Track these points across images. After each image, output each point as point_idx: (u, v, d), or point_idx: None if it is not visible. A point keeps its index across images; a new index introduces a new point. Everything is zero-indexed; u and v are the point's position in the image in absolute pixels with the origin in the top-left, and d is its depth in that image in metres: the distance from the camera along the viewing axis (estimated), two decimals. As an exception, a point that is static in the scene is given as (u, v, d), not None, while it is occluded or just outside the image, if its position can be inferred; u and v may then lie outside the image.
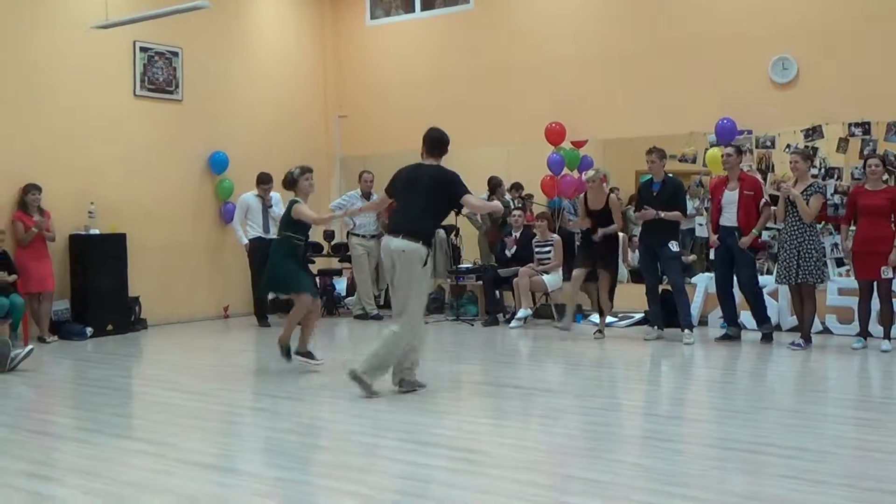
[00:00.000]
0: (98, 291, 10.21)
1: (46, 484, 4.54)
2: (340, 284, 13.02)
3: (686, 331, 9.14)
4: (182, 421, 5.93)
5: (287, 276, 7.67)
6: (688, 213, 9.93)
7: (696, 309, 10.23)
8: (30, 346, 8.10)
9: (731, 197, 9.09)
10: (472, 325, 10.83)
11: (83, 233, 10.31)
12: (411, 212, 6.50)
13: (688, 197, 10.37)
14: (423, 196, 6.49)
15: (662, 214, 9.14)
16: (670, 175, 9.53)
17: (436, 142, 6.72)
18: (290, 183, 7.90)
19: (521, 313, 10.43)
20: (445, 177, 6.59)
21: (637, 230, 11.89)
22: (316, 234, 12.61)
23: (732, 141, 10.03)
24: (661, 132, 10.60)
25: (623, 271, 11.05)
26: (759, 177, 9.70)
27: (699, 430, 5.72)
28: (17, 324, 9.22)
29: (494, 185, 12.04)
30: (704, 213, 10.66)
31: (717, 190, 9.28)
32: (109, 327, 10.23)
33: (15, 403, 6.88)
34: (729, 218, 9.08)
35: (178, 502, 4.21)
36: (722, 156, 9.27)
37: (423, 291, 6.57)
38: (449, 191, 6.55)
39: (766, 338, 9.08)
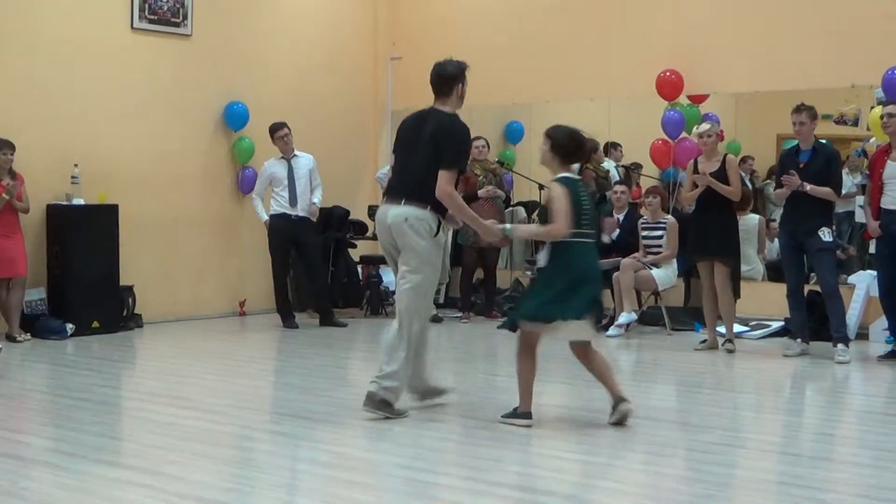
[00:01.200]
0: (81, 278, 10.40)
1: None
2: (389, 276, 13.06)
3: (840, 345, 9.03)
4: (184, 446, 6.01)
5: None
6: (843, 191, 9.79)
7: (853, 318, 10.10)
8: (-2, 345, 8.29)
9: (894, 170, 8.93)
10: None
11: (64, 203, 10.51)
12: (414, 171, 6.52)
13: (845, 171, 10.23)
14: (426, 151, 6.48)
15: (809, 188, 9.02)
16: (822, 141, 9.40)
17: (434, 79, 6.79)
18: None
19: (622, 318, 10.40)
20: (443, 131, 6.52)
21: (777, 213, 11.78)
22: (358, 211, 12.72)
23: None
24: (812, 85, 10.47)
25: (759, 267, 10.96)
26: None
27: (852, 477, 5.64)
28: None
29: (589, 151, 12.00)
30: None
31: (878, 161, 9.13)
32: (95, 324, 10.43)
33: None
34: (893, 199, 8.94)
35: (177, 548, 4.29)
36: (882, 117, 9.10)
37: (434, 273, 6.60)
38: (438, 146, 6.45)
39: None
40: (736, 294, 9.77)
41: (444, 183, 6.35)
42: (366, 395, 6.56)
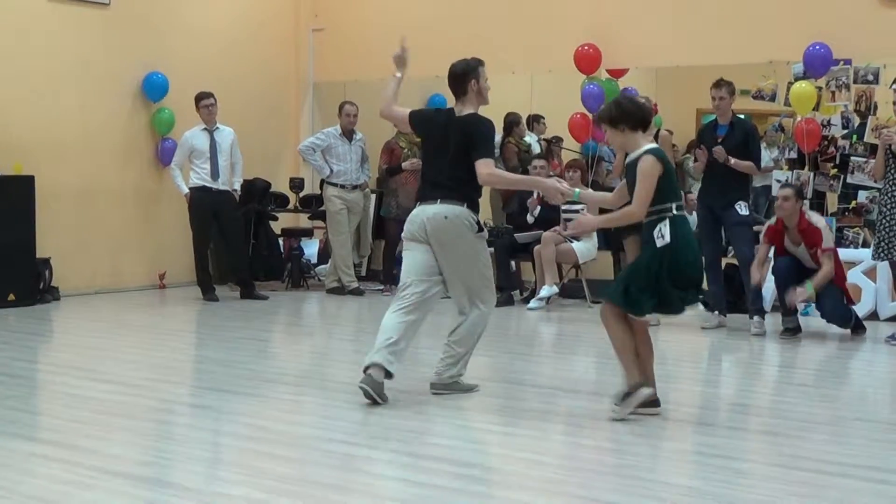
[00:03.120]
0: (7, 262, 10.22)
1: (-74, 495, 4.57)
2: (311, 248, 13.06)
3: (755, 318, 9.18)
4: (102, 419, 5.95)
5: None
6: (762, 164, 9.93)
7: (769, 291, 10.25)
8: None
9: None
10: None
11: (-19, 180, 10.33)
12: (445, 169, 6.43)
13: (763, 145, 10.37)
14: (456, 155, 6.41)
15: (733, 161, 9.14)
16: (740, 116, 9.51)
17: (449, 82, 6.72)
18: None
19: (543, 291, 10.46)
20: (467, 135, 6.44)
21: (696, 187, 11.90)
22: (279, 184, 12.65)
23: (826, 73, 10.00)
24: (731, 60, 10.57)
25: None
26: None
27: (767, 446, 5.74)
28: None
29: (510, 124, 12.05)
30: (784, 166, 10.67)
31: None
32: (11, 297, 10.29)
33: None
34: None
35: (95, 523, 4.24)
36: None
37: (488, 262, 6.62)
38: (468, 144, 6.40)
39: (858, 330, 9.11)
40: None
41: (484, 168, 6.31)
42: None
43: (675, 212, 5.85)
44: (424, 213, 6.38)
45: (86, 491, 4.65)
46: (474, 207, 6.43)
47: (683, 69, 11.27)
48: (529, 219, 11.04)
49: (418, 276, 6.45)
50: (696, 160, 9.64)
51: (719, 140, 9.27)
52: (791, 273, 8.96)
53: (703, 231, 9.56)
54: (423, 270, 6.46)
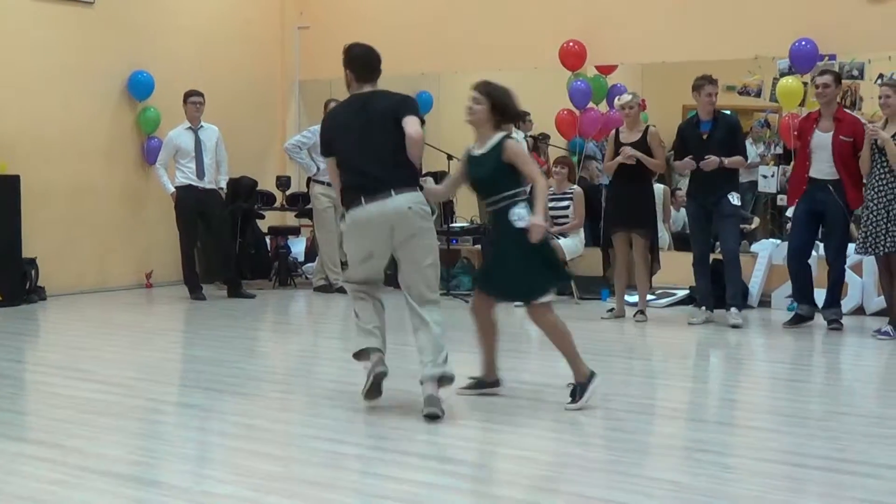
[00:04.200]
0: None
1: (-87, 496, 4.56)
2: (297, 246, 13.05)
3: (733, 308, 9.22)
4: (89, 419, 5.94)
5: None
6: (748, 160, 9.95)
7: (755, 285, 10.29)
8: None
9: (822, 140, 9.04)
10: (467, 301, 10.81)
11: (-35, 179, 10.30)
12: (386, 157, 6.02)
13: (749, 141, 10.41)
14: (389, 133, 5.98)
15: (727, 161, 9.14)
16: (724, 112, 9.53)
17: (367, 62, 6.29)
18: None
19: (530, 287, 10.44)
20: (393, 102, 6.10)
21: (683, 182, 11.92)
22: (266, 182, 12.64)
23: (811, 69, 10.02)
24: (717, 56, 10.59)
25: (665, 236, 11.09)
26: (861, 118, 9.50)
27: (755, 441, 5.76)
28: None
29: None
30: (770, 161, 10.70)
31: (807, 130, 9.21)
32: (-3, 297, 10.26)
33: None
34: (820, 168, 9.06)
35: (82, 522, 4.24)
36: (816, 86, 9.15)
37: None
38: (396, 112, 6.01)
39: (835, 324, 9.14)
40: (656, 265, 9.89)
41: (416, 126, 5.95)
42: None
43: (527, 193, 6.20)
44: (387, 207, 5.90)
45: (73, 490, 4.64)
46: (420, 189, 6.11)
47: (669, 65, 11.28)
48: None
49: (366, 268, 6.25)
50: (676, 157, 9.62)
51: (704, 137, 9.27)
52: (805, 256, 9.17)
53: (694, 226, 9.59)
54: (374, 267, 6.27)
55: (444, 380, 6.10)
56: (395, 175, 5.96)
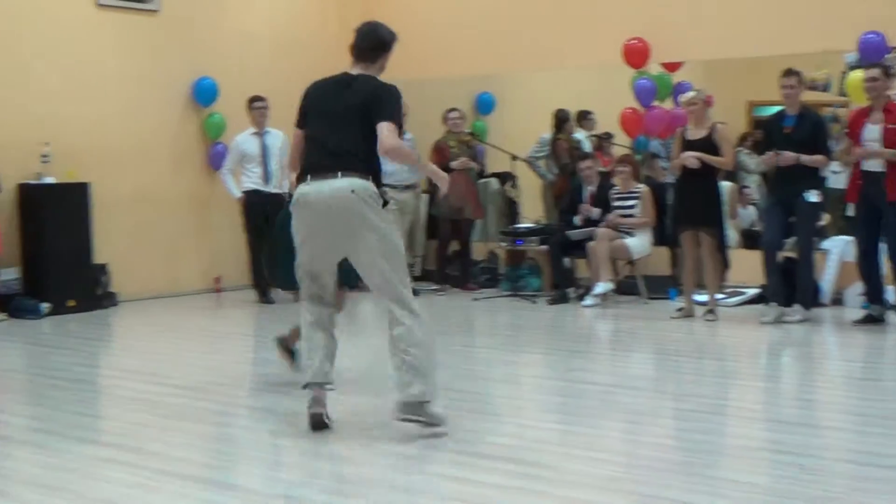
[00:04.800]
0: (55, 257, 10.35)
1: (-5, 500, 4.65)
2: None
3: (796, 305, 9.12)
4: (164, 423, 6.01)
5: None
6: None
7: (827, 283, 10.16)
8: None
9: (872, 132, 8.94)
10: (535, 302, 10.85)
11: (35, 182, 10.44)
12: (345, 139, 5.61)
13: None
14: (358, 118, 5.61)
15: (805, 159, 9.02)
16: (811, 109, 9.39)
17: (364, 41, 5.93)
18: None
19: (598, 287, 10.42)
20: (373, 91, 5.67)
21: (750, 179, 11.80)
22: (332, 185, 12.67)
23: (882, 60, 9.88)
24: (783, 50, 10.46)
25: (732, 233, 10.98)
26: None
27: (833, 441, 5.69)
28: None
29: (561, 121, 12.03)
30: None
31: (857, 123, 9.11)
32: (71, 303, 10.38)
33: (-48, 399, 7.04)
34: (872, 161, 8.95)
35: (161, 526, 4.29)
36: (864, 80, 9.09)
37: (401, 245, 5.66)
38: (370, 109, 5.57)
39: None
40: (725, 264, 9.80)
41: (389, 136, 5.44)
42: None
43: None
44: (323, 190, 5.50)
45: (151, 494, 4.70)
46: (380, 183, 5.59)
47: (734, 61, 11.18)
48: (576, 220, 10.96)
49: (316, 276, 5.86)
50: (761, 151, 9.46)
51: (787, 131, 9.14)
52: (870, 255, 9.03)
53: (768, 221, 9.44)
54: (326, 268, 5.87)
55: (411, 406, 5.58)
56: (350, 162, 5.53)
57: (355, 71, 5.86)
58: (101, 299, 10.77)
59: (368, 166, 5.56)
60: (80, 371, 7.77)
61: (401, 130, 5.60)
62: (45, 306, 10.15)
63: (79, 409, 6.42)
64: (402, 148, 5.64)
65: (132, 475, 4.96)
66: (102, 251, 10.85)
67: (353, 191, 5.45)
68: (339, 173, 5.48)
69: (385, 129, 5.45)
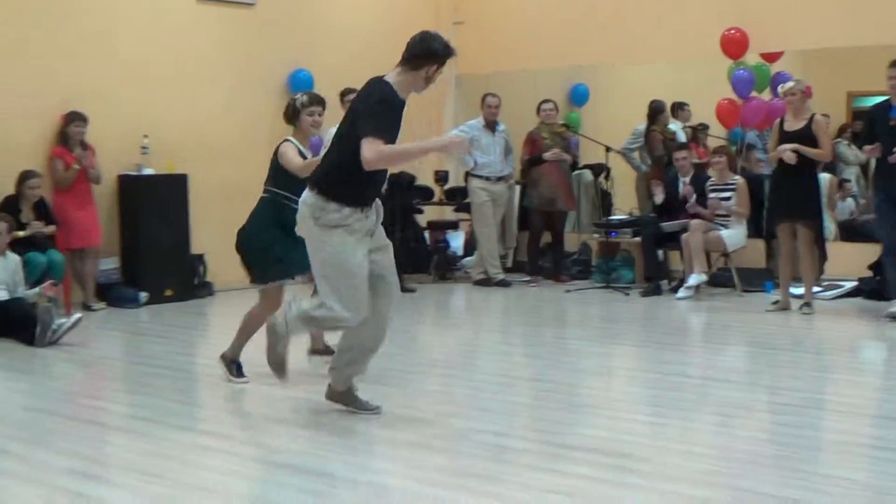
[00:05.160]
0: (153, 247, 10.52)
1: (95, 484, 4.73)
2: (456, 241, 13.10)
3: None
4: (260, 411, 6.08)
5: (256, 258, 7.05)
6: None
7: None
8: (77, 315, 8.39)
9: None
10: (627, 294, 10.78)
11: (134, 173, 10.63)
12: (329, 153, 5.88)
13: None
14: (343, 132, 5.73)
15: None
16: None
17: (419, 49, 5.88)
18: (291, 116, 7.44)
19: (692, 280, 10.31)
20: (356, 100, 5.82)
21: (849, 171, 11.58)
22: (424, 177, 12.72)
23: None
24: (884, 40, 10.24)
25: (830, 226, 10.79)
26: None
27: (932, 437, 5.57)
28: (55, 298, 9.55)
29: (655, 111, 11.92)
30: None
31: None
32: (168, 292, 10.55)
33: (58, 385, 7.20)
34: None
35: (256, 512, 4.34)
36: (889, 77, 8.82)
37: (332, 264, 5.57)
38: (354, 122, 5.60)
39: None
40: (823, 257, 9.64)
41: (366, 150, 5.36)
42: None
43: None
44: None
45: (247, 481, 4.77)
46: (328, 194, 5.52)
47: (833, 50, 10.98)
48: (657, 199, 10.88)
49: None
50: (865, 143, 9.24)
51: (892, 123, 8.91)
52: None
53: (881, 218, 9.18)
54: None
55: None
56: (316, 172, 5.83)
57: (390, 74, 5.83)
58: (197, 289, 10.93)
59: (321, 180, 5.64)
60: (178, 359, 7.90)
61: (384, 133, 5.48)
62: (143, 295, 10.32)
63: (176, 397, 6.52)
64: (381, 158, 5.44)
65: (228, 462, 5.03)
66: (199, 241, 10.99)
67: (303, 202, 5.64)
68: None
69: (362, 147, 5.38)
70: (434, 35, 5.94)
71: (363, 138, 5.38)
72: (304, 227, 5.71)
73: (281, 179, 7.05)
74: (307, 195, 5.64)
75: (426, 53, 5.82)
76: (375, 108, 5.56)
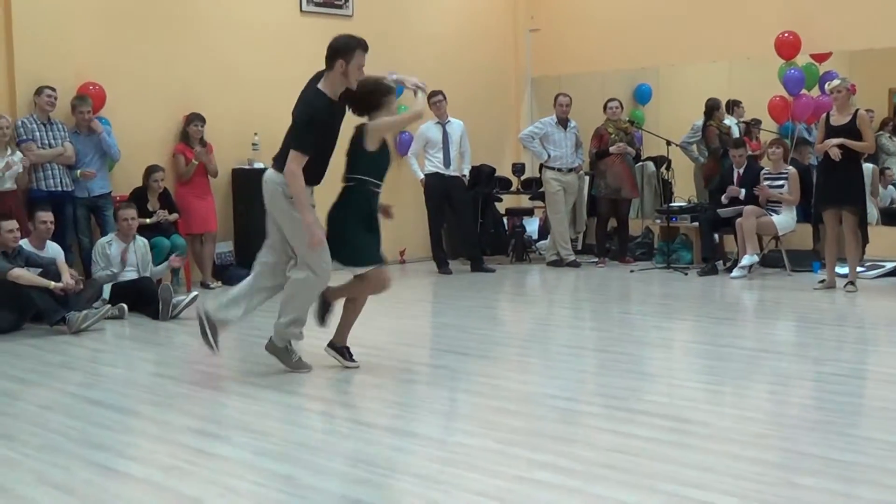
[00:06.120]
0: (263, 232, 10.53)
1: (213, 441, 4.79)
2: (532, 226, 13.06)
3: None
4: (355, 378, 6.11)
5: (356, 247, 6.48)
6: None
7: None
8: (194, 293, 8.54)
9: None
10: (686, 273, 10.64)
11: (246, 167, 10.73)
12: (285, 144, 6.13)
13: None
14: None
15: None
16: None
17: (329, 49, 6.31)
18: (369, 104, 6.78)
19: (745, 260, 10.15)
20: (296, 106, 6.27)
21: (890, 161, 11.34)
22: (503, 168, 12.69)
23: None
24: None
25: (873, 212, 10.56)
26: None
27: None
28: (179, 268, 9.73)
29: (711, 108, 11.74)
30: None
31: None
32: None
33: (179, 354, 7.33)
34: None
35: (352, 467, 4.35)
36: None
37: (303, 235, 5.92)
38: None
39: None
40: (865, 240, 9.46)
41: (291, 162, 5.85)
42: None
43: None
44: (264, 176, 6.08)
45: (343, 439, 4.80)
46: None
47: (877, 51, 10.73)
48: (724, 199, 10.66)
49: (269, 247, 6.36)
50: None
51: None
52: None
53: None
54: (273, 242, 6.29)
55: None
56: (280, 157, 6.05)
57: (320, 84, 6.24)
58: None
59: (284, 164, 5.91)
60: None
61: (307, 150, 5.92)
62: (255, 275, 10.40)
63: (275, 363, 6.47)
64: (294, 177, 5.89)
65: (327, 423, 5.07)
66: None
67: (265, 181, 6.04)
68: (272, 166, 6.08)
69: (289, 157, 5.87)
70: (339, 35, 6.32)
71: (291, 150, 5.82)
72: (276, 203, 5.98)
73: (363, 166, 6.71)
74: (274, 175, 5.92)
75: (330, 53, 6.18)
76: (301, 130, 5.96)
